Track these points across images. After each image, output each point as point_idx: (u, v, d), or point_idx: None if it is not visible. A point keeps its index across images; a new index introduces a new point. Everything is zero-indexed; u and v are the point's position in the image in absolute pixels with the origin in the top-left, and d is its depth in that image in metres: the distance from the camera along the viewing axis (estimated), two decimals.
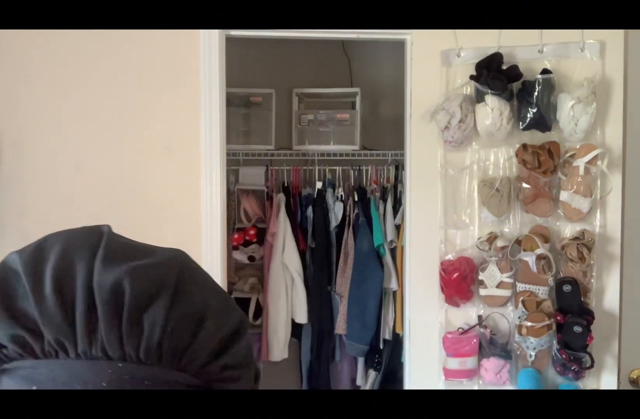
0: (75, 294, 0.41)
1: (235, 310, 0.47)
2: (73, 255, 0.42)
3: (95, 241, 0.44)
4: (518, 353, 1.84)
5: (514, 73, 1.80)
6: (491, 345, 1.84)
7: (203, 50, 1.83)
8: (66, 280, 0.41)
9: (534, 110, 1.79)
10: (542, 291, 1.83)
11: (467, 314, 1.91)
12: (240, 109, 2.64)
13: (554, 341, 1.81)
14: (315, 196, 2.63)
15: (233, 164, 2.64)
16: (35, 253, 0.43)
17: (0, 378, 0.42)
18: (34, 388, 0.41)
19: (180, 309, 0.42)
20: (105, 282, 0.41)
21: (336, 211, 2.59)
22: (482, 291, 1.87)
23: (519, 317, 1.81)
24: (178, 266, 0.45)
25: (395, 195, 2.58)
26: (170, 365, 0.42)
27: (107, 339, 0.41)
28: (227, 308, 0.46)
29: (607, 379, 1.89)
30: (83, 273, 0.41)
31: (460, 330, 1.88)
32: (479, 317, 1.89)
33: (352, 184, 2.70)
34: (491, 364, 1.84)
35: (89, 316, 0.41)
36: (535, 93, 1.78)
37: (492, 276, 1.85)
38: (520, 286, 1.86)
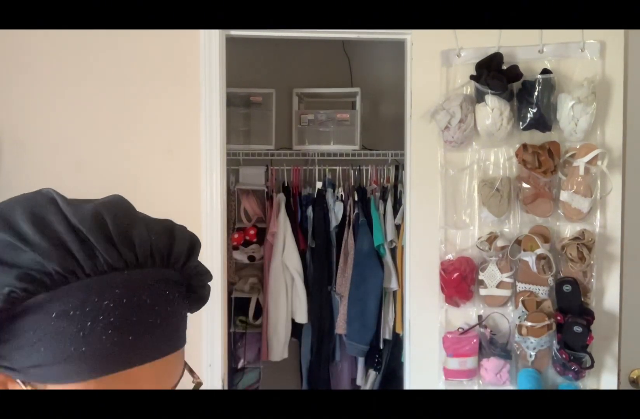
0: (62, 235, 0.49)
1: (182, 225, 0.59)
2: (38, 211, 0.49)
3: (48, 198, 0.51)
4: (518, 353, 1.84)
5: (514, 73, 1.80)
6: (491, 345, 1.84)
7: (203, 50, 1.83)
8: (46, 230, 0.49)
9: (534, 110, 1.79)
10: (542, 291, 1.83)
11: (467, 314, 1.91)
12: (240, 109, 2.64)
13: (554, 341, 1.81)
14: (315, 196, 2.63)
15: (233, 164, 2.65)
16: (1, 222, 0.49)
17: (24, 317, 0.47)
18: (53, 315, 0.47)
19: (155, 225, 0.55)
20: (85, 216, 0.50)
21: (336, 211, 2.59)
22: (482, 291, 1.87)
23: (519, 317, 1.81)
24: (128, 201, 0.56)
25: (395, 195, 2.58)
26: (162, 265, 0.54)
27: (108, 256, 0.50)
28: (178, 225, 0.58)
29: (607, 379, 1.89)
30: (58, 218, 0.49)
31: (460, 330, 1.88)
32: (479, 317, 1.89)
33: (352, 184, 2.70)
34: (491, 364, 1.84)
35: (83, 245, 0.49)
36: (535, 93, 1.78)
37: (492, 276, 1.85)
38: (520, 286, 1.86)
